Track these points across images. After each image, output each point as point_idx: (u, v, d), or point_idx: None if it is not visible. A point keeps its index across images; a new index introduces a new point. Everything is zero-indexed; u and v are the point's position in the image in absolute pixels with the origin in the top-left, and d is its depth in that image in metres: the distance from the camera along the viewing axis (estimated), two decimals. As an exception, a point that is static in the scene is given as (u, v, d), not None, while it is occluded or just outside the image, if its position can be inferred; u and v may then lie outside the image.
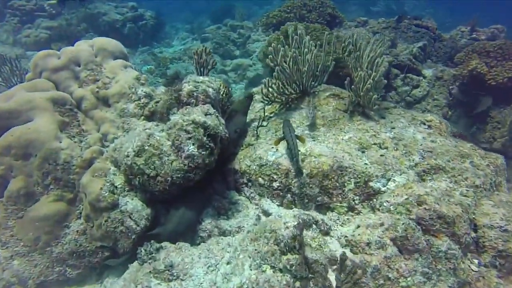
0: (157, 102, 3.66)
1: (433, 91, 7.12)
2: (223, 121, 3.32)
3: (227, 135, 3.29)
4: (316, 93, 4.30)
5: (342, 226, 2.99)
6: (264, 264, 2.35)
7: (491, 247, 2.59)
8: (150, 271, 2.66)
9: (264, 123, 4.02)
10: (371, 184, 3.10)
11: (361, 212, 3.09)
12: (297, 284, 2.22)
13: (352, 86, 3.81)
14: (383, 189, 3.06)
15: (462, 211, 2.67)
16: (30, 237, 2.99)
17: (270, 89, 4.14)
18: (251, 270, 2.37)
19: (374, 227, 2.65)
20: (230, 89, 4.31)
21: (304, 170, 3.20)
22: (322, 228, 2.86)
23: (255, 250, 2.47)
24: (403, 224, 2.55)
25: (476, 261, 2.64)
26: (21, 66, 5.93)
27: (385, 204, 2.89)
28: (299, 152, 3.21)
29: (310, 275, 2.32)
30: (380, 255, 2.48)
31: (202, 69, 4.05)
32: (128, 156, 3.04)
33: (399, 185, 3.00)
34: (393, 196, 2.89)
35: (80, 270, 3.17)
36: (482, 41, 7.99)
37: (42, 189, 3.10)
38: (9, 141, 3.05)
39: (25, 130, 3.09)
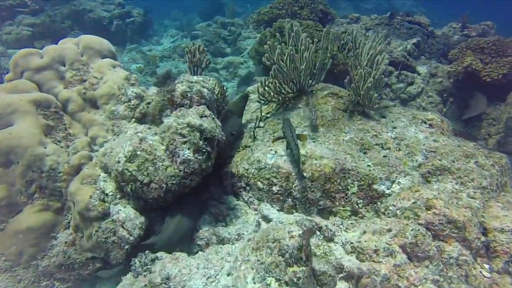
0: (149, 103, 3.47)
1: (428, 88, 7.09)
2: (219, 123, 3.15)
3: (224, 137, 3.12)
4: (314, 92, 4.16)
5: (346, 231, 2.86)
6: (268, 276, 2.20)
7: (503, 251, 2.50)
8: (145, 284, 2.50)
9: (261, 124, 3.87)
10: (375, 186, 2.98)
11: (365, 216, 2.97)
12: (305, 298, 2.09)
13: (352, 85, 3.68)
14: (387, 192, 2.95)
15: (472, 214, 2.57)
16: (13, 251, 2.77)
17: (266, 88, 3.98)
18: (254, 283, 2.22)
19: (381, 233, 2.53)
20: (225, 88, 4.14)
21: (305, 174, 3.06)
22: (326, 235, 2.73)
23: (258, 261, 2.33)
24: (412, 230, 2.43)
25: (486, 266, 2.55)
26: (2, 65, 5.63)
27: (391, 208, 2.78)
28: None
29: None
30: (389, 263, 2.36)
31: (195, 68, 3.86)
32: (119, 161, 2.85)
33: (404, 187, 2.89)
34: (399, 199, 2.78)
35: (69, 284, 2.97)
36: (474, 37, 8.00)
37: (26, 199, 2.88)
38: (-12, 148, 2.83)
39: (5, 136, 2.86)
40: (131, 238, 2.81)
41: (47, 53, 3.56)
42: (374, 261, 2.44)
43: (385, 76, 6.90)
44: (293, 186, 3.10)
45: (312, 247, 2.61)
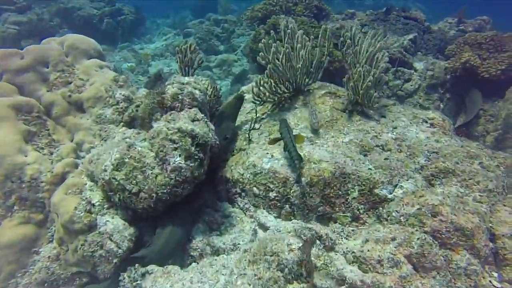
0: (138, 106, 3.30)
1: (424, 84, 6.97)
2: (212, 126, 2.98)
3: (217, 142, 2.95)
4: (311, 91, 4.00)
5: (347, 239, 2.72)
6: (266, 293, 2.05)
7: (513, 259, 2.38)
8: (135, 302, 2.34)
9: (256, 126, 3.71)
10: (376, 191, 2.84)
11: (366, 222, 2.83)
12: (306, 316, 1.94)
13: (351, 84, 3.53)
14: (389, 196, 2.81)
15: (480, 220, 2.44)
16: (-9, 268, 2.60)
17: (261, 88, 3.82)
18: (252, 300, 2.07)
19: (385, 242, 2.39)
20: (218, 89, 3.96)
21: (303, 179, 2.91)
22: (327, 244, 2.58)
23: (255, 276, 2.17)
24: (418, 239, 2.30)
25: (495, 274, 2.43)
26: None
27: (394, 214, 2.64)
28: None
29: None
30: (395, 274, 2.22)
31: (187, 68, 3.67)
32: (106, 170, 2.67)
33: (407, 192, 2.76)
34: (403, 205, 2.64)
35: (54, 301, 2.79)
36: (470, 32, 7.89)
37: (4, 211, 2.69)
38: (-36, 157, 2.63)
39: (-18, 144, 2.67)
40: (120, 251, 2.64)
41: (29, 54, 3.35)
42: (378, 272, 2.30)
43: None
44: (291, 191, 2.95)
45: (312, 258, 2.46)
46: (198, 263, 2.79)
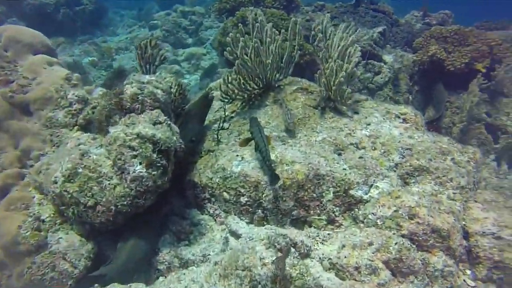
0: (94, 108, 2.98)
1: (393, 77, 7.04)
2: (177, 129, 2.74)
3: (182, 146, 2.72)
4: (282, 87, 3.84)
5: (323, 243, 2.60)
6: (239, 313, 1.89)
7: (486, 257, 2.36)
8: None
9: (225, 125, 3.50)
10: (351, 192, 2.74)
11: (342, 225, 2.73)
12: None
13: (323, 79, 3.40)
14: (365, 197, 2.72)
15: (454, 219, 2.40)
16: None
17: (230, 86, 3.60)
18: (223, 322, 1.90)
19: (362, 247, 2.30)
20: (184, 86, 3.70)
21: (276, 182, 2.76)
22: (302, 251, 2.45)
23: (227, 293, 2.01)
24: (396, 244, 2.22)
25: (469, 272, 2.41)
26: None
27: (370, 216, 2.55)
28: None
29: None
30: (373, 281, 2.13)
31: (148, 65, 3.37)
32: (56, 182, 2.38)
33: (383, 192, 2.68)
34: (379, 206, 2.56)
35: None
36: (435, 25, 8.05)
37: None
38: None
39: None
40: (76, 271, 2.38)
41: (-40, 50, 2.94)
42: (355, 280, 2.20)
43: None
44: (263, 196, 2.79)
45: (287, 268, 2.32)
46: (166, 277, 2.58)
